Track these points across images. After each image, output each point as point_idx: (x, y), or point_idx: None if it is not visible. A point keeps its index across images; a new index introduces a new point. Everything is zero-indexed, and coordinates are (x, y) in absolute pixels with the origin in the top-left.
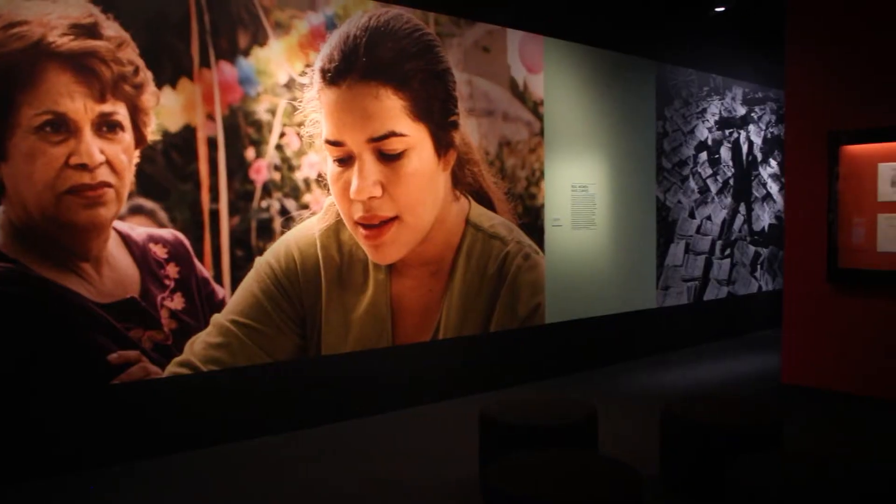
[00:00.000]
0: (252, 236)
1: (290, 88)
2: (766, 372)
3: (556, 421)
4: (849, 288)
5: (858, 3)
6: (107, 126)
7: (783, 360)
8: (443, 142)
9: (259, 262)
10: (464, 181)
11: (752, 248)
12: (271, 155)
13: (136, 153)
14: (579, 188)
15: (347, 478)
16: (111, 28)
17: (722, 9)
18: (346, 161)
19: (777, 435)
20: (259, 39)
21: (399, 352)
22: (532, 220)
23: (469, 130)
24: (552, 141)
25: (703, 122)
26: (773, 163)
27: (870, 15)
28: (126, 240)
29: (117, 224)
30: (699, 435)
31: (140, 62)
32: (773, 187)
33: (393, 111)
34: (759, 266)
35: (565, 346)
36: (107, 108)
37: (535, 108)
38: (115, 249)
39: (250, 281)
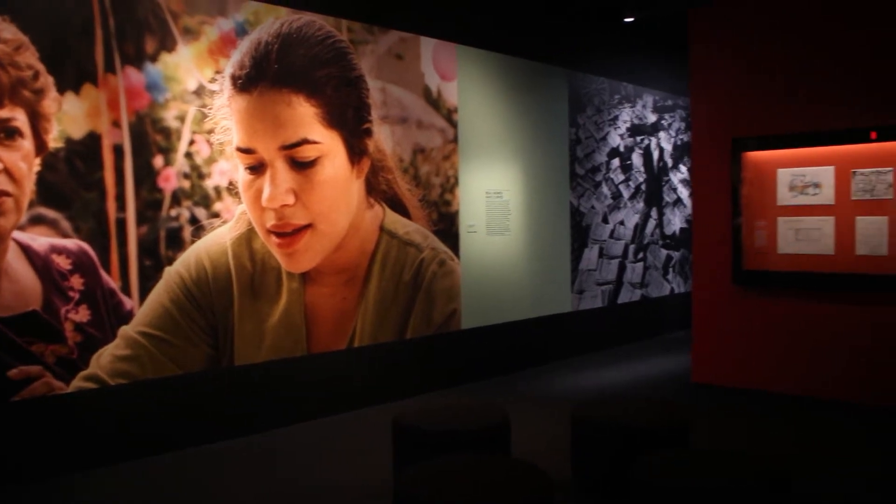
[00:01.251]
0: (161, 246)
1: (199, 95)
2: (677, 372)
3: (469, 426)
4: (753, 289)
5: (759, 17)
6: (4, 133)
7: (693, 360)
8: (356, 149)
9: (168, 271)
10: (378, 188)
11: (664, 252)
12: (180, 163)
13: (37, 161)
14: (494, 194)
15: (258, 489)
16: (8, 31)
17: (632, 19)
18: (257, 169)
19: (684, 433)
20: (167, 45)
21: (314, 360)
22: (447, 226)
23: (383, 138)
24: (466, 148)
25: (615, 129)
26: (683, 168)
27: (769, 27)
28: (26, 251)
29: (17, 234)
30: (608, 435)
31: (40, 66)
32: (684, 192)
33: (305, 118)
34: (671, 269)
35: (482, 352)
36: (4, 113)
37: (449, 115)
38: (14, 261)
39: (160, 291)
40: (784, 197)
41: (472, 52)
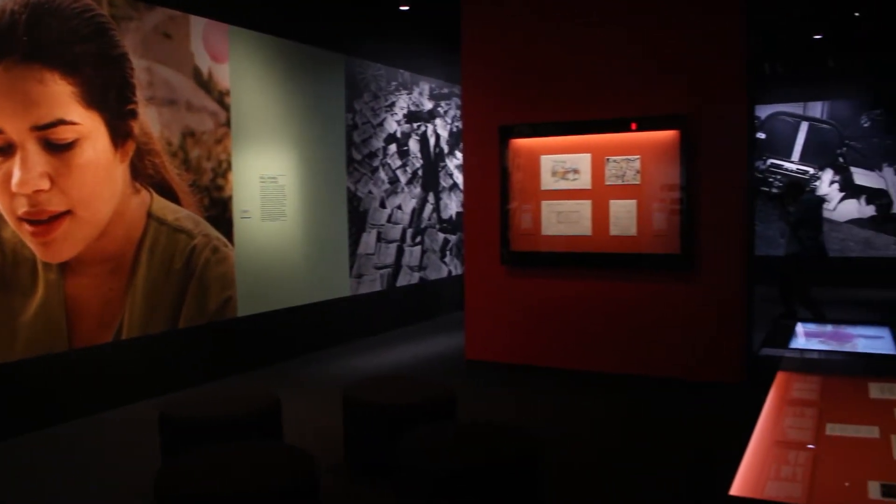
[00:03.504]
0: None
1: None
2: (452, 351)
3: (238, 414)
4: (520, 269)
5: (526, 9)
6: None
7: (466, 339)
8: (120, 131)
9: None
10: (144, 173)
11: (441, 236)
12: None
13: None
14: (269, 179)
15: (16, 496)
16: None
17: (407, 7)
18: (5, 151)
19: (452, 408)
20: None
21: (77, 355)
22: (220, 212)
23: (149, 120)
24: (240, 132)
25: (391, 115)
26: (458, 155)
27: (537, 20)
28: None
29: None
30: (378, 415)
31: None
32: (459, 178)
33: (61, 97)
34: (448, 252)
35: (259, 339)
36: None
37: (221, 98)
38: None
39: None
40: (547, 182)
41: (244, 33)
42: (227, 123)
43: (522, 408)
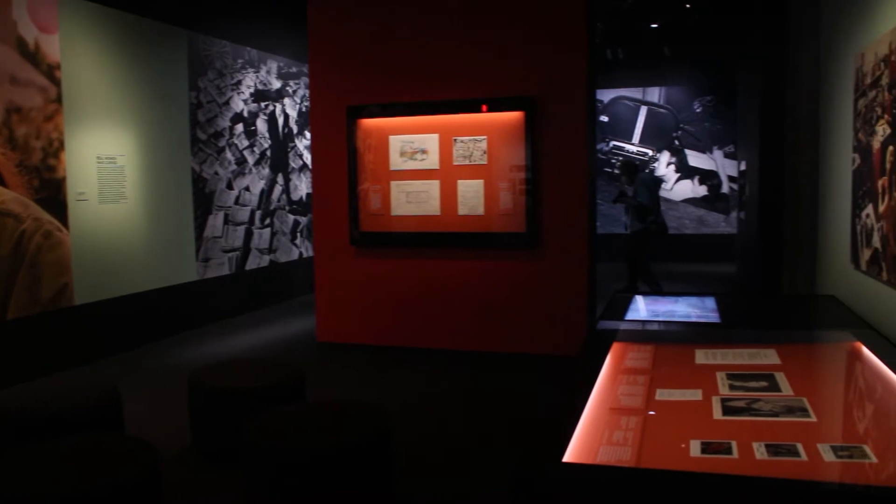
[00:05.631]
0: None
1: None
2: (304, 333)
3: (74, 407)
4: (370, 249)
5: None
6: None
7: (317, 321)
8: None
9: None
10: None
11: (291, 217)
12: None
13: None
14: (106, 160)
15: None
16: None
17: None
18: None
19: (301, 390)
20: None
21: None
22: (52, 194)
23: None
24: (73, 109)
25: (238, 94)
26: (308, 135)
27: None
28: None
29: None
30: (224, 399)
31: None
32: (309, 158)
33: None
34: (298, 234)
35: (100, 328)
36: None
37: (51, 71)
38: None
39: None
40: (396, 162)
41: (76, 3)
42: (59, 99)
43: (372, 387)
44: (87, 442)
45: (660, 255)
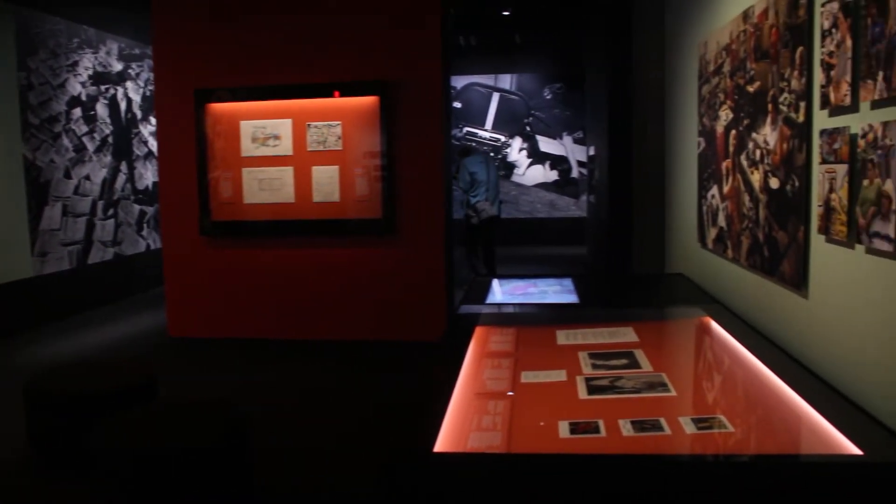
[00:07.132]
0: None
1: None
2: (154, 329)
3: None
4: (221, 239)
5: None
6: None
7: (168, 315)
8: None
9: None
10: None
11: (137, 207)
12: None
13: None
14: None
15: None
16: None
17: None
18: None
19: (152, 390)
20: None
21: None
22: None
23: None
24: None
25: (75, 75)
26: (154, 120)
27: None
28: None
29: None
30: (66, 406)
31: None
32: (155, 145)
33: None
34: (145, 225)
35: None
36: None
37: None
38: None
39: None
40: (248, 148)
41: None
42: None
43: (229, 382)
44: None
45: (513, 239)
